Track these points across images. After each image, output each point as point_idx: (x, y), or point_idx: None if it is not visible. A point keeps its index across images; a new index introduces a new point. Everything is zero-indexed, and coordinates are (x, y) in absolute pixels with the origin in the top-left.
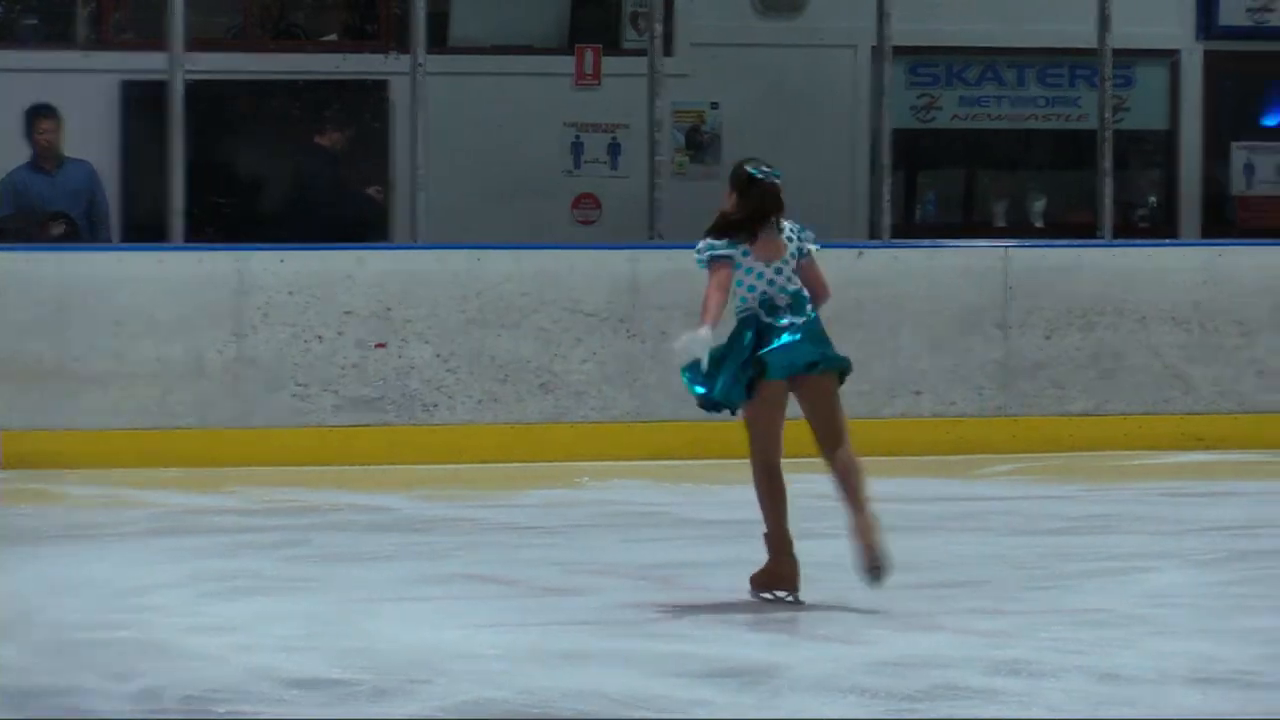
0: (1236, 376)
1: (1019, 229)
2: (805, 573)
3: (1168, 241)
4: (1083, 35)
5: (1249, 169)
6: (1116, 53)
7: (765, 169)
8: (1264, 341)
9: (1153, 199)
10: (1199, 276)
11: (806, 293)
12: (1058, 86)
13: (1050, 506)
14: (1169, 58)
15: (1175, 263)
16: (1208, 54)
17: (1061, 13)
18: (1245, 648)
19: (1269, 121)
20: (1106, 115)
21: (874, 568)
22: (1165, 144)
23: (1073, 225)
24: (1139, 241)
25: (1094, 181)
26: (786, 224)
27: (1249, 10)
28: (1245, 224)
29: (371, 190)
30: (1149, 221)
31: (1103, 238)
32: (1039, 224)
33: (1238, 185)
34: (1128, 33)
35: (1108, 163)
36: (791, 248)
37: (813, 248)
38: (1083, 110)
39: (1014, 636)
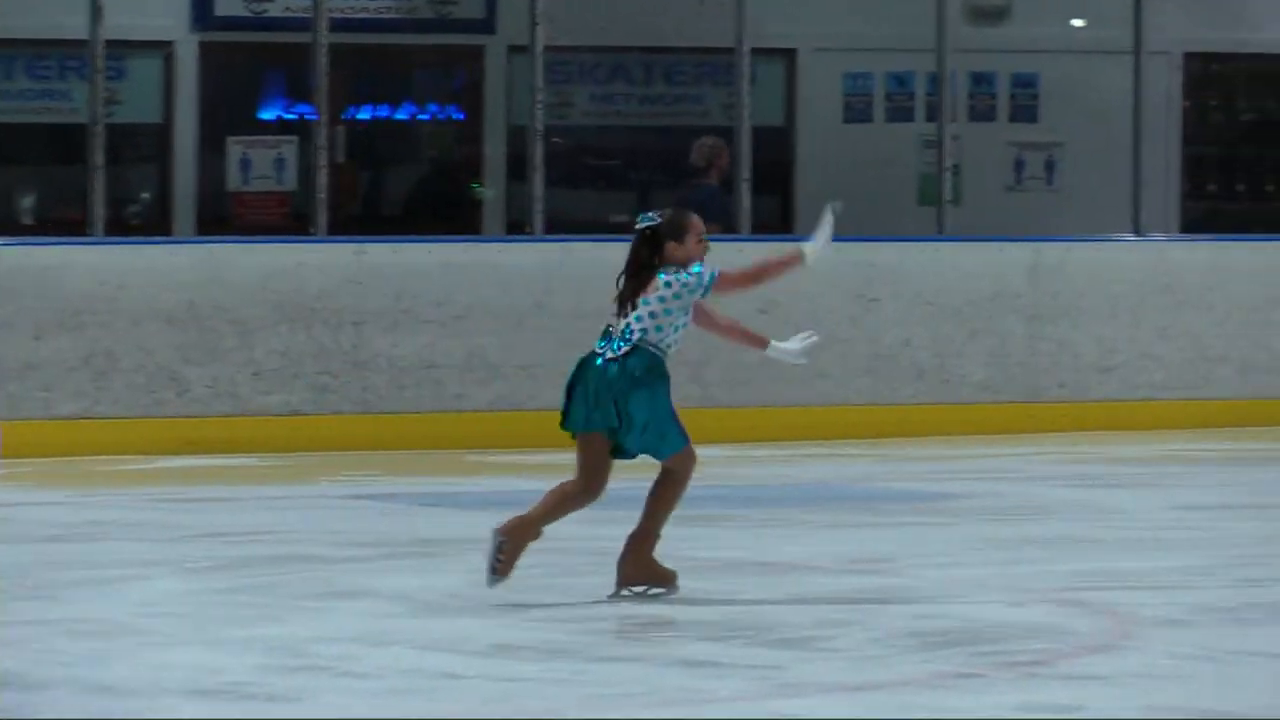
0: (233, 377)
1: (7, 226)
2: None
3: (162, 239)
4: (75, 26)
5: (245, 164)
6: (109, 44)
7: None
8: (261, 341)
9: (146, 195)
10: (195, 274)
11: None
12: (47, 79)
13: (39, 513)
14: (164, 49)
15: (170, 261)
16: (203, 45)
17: (52, 3)
18: (244, 657)
19: (266, 115)
20: (98, 109)
21: None
22: (159, 138)
23: (65, 222)
24: (131, 239)
25: (85, 177)
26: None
27: (246, 1)
28: (242, 220)
29: None
30: (142, 218)
31: (94, 235)
32: (28, 221)
33: (234, 181)
34: (121, 24)
35: (99, 158)
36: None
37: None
38: (74, 104)
39: (3, 648)
